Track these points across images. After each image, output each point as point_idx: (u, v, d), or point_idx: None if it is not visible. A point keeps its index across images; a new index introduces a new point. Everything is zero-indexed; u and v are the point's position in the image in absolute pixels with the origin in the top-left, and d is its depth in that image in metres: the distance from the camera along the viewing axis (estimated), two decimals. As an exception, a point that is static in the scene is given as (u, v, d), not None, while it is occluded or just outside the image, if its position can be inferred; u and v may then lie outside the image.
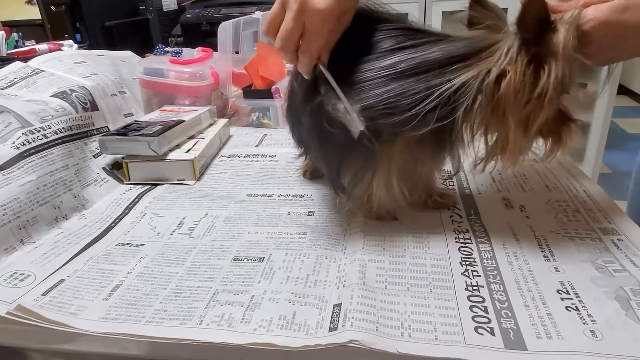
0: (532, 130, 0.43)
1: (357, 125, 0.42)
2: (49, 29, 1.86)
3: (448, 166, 0.50)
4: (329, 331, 0.36)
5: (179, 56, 0.87)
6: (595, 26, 0.41)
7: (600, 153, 1.67)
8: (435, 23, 1.59)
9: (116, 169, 0.68)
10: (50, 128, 0.61)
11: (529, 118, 0.42)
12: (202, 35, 1.75)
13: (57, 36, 1.75)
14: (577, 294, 0.39)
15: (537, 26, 0.41)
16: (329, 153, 0.49)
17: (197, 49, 0.92)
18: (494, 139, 0.45)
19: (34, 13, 1.88)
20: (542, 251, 0.45)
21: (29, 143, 0.57)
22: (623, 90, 3.10)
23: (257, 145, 0.79)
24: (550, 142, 0.46)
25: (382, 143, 0.44)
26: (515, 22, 0.41)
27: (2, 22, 1.19)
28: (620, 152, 2.15)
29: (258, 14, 1.02)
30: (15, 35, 1.09)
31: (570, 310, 0.37)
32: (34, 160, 0.56)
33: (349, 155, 0.47)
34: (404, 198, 0.48)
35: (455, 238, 0.48)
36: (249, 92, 0.89)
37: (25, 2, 1.93)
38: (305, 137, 0.54)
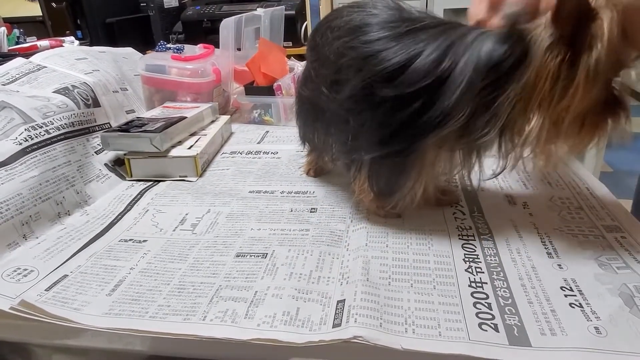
0: (565, 124, 0.40)
1: None
2: (49, 25, 1.85)
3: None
4: (332, 327, 0.36)
5: (180, 53, 0.87)
6: None
7: (601, 152, 1.66)
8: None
9: (118, 166, 0.68)
10: (53, 124, 0.61)
11: (563, 112, 0.39)
12: (203, 32, 1.75)
13: (58, 33, 1.75)
14: (580, 290, 0.39)
15: (575, 22, 0.37)
16: (375, 156, 0.48)
17: (198, 45, 0.92)
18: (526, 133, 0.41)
19: (34, 10, 1.88)
20: (546, 248, 0.45)
21: (32, 139, 0.57)
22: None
23: (259, 142, 0.79)
24: (591, 135, 0.43)
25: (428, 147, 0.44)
26: (550, 17, 0.38)
27: (3, 18, 1.18)
28: (621, 150, 2.15)
29: (260, 11, 1.02)
30: (16, 31, 1.09)
31: (574, 307, 0.37)
32: (36, 156, 0.56)
33: (398, 156, 0.46)
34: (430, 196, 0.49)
35: (459, 235, 0.48)
36: (251, 89, 0.88)
37: (26, -1, 1.93)
38: (344, 139, 0.51)
